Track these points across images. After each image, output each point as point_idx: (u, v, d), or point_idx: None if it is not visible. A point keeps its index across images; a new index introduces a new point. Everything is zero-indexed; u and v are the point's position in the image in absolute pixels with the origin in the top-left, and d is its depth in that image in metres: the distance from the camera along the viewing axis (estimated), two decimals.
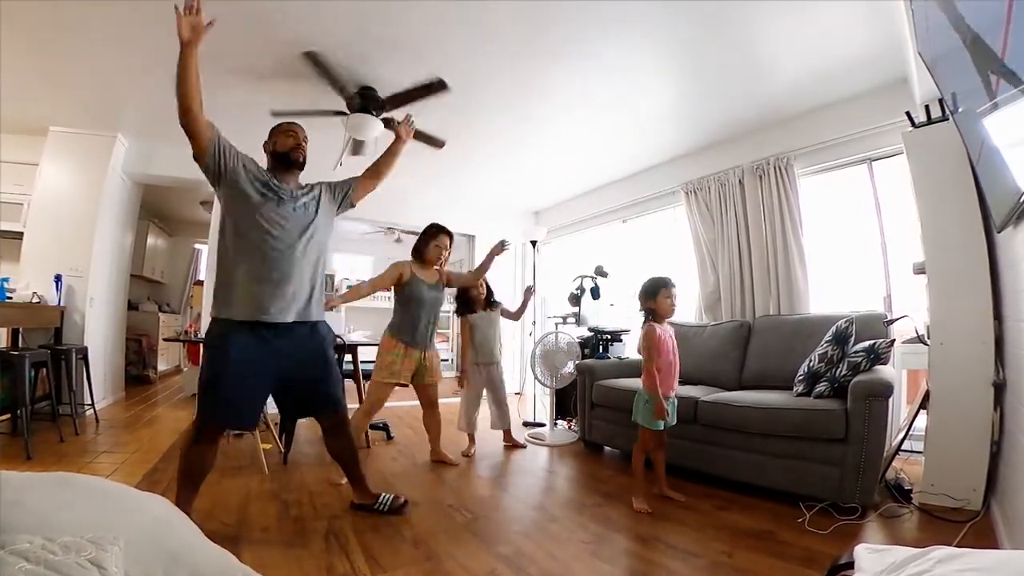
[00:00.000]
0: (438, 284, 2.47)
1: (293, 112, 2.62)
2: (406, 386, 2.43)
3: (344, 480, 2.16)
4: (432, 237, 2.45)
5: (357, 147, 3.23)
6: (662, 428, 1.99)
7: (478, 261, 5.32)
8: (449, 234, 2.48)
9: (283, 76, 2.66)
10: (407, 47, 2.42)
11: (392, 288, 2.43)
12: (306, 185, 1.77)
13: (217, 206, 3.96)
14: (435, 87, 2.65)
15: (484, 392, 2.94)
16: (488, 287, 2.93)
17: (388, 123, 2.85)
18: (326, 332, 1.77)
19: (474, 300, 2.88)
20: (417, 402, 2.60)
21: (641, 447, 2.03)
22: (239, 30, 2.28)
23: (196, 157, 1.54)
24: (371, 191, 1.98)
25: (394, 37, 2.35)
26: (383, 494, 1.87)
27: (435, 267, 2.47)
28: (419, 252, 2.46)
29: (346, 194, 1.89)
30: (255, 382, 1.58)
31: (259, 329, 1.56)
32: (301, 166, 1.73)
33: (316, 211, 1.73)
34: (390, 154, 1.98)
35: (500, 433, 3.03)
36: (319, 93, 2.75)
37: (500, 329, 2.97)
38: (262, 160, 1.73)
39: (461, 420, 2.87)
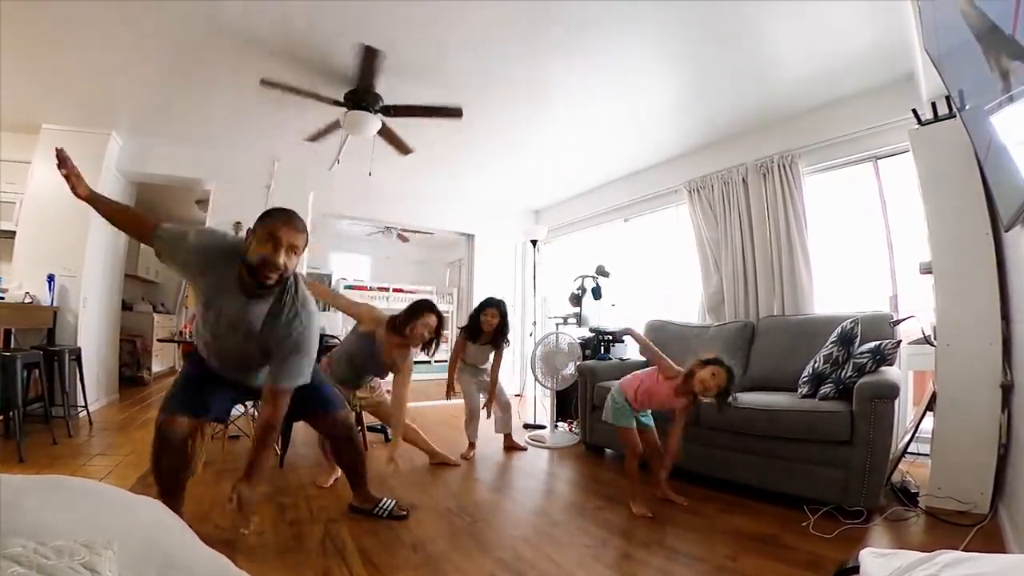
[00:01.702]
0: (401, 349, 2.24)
1: (286, 86, 2.54)
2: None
3: (329, 483, 2.14)
4: (420, 316, 2.19)
5: (402, 148, 3.20)
6: (631, 426, 1.99)
7: (478, 261, 5.36)
8: (439, 316, 2.25)
9: (278, 66, 2.61)
10: (406, 46, 2.39)
11: (356, 326, 2.31)
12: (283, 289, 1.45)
13: (213, 205, 3.94)
14: (449, 111, 2.62)
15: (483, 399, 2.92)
16: (503, 320, 2.80)
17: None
18: (307, 322, 1.49)
19: (482, 329, 2.78)
20: (422, 403, 2.54)
21: (630, 451, 1.99)
22: (235, 24, 2.24)
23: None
24: None
25: (393, 37, 2.32)
26: (384, 499, 1.83)
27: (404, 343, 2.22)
28: (400, 328, 2.19)
29: None
30: (227, 387, 1.60)
31: None
32: (267, 289, 1.39)
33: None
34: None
35: (501, 435, 3.00)
36: (313, 85, 2.70)
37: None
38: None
39: (467, 429, 2.84)
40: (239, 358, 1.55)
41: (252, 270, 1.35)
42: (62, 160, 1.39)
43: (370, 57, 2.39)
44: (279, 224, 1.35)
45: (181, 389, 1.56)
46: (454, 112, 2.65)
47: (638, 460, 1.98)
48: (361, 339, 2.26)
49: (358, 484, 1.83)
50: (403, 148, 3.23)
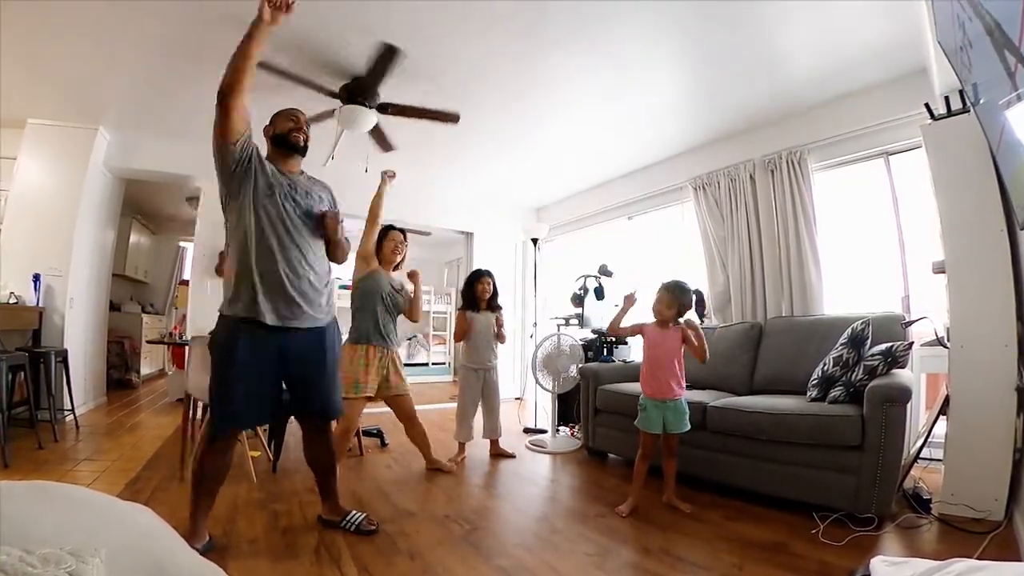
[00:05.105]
0: (399, 286, 2.52)
1: (282, 71, 2.50)
2: (372, 399, 2.38)
3: None
4: (384, 237, 2.52)
5: (385, 145, 3.10)
6: (651, 431, 1.98)
7: (477, 261, 5.31)
8: (401, 230, 2.57)
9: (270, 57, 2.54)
10: (404, 38, 2.34)
11: (361, 269, 2.46)
12: (316, 179, 1.75)
13: (205, 201, 3.86)
14: (388, 55, 2.46)
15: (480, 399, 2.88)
16: (495, 287, 2.89)
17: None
18: (335, 335, 1.74)
19: (479, 298, 2.83)
20: (418, 407, 2.52)
21: (640, 452, 2.02)
22: (226, 21, 2.18)
23: (221, 144, 1.47)
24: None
25: (391, 28, 2.28)
26: (352, 512, 1.76)
27: (393, 268, 2.53)
28: (378, 255, 2.51)
29: None
30: (263, 383, 1.55)
31: (266, 329, 1.52)
32: (302, 151, 1.69)
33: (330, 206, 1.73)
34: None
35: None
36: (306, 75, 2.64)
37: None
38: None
39: (458, 429, 2.78)
40: (308, 258, 1.59)
41: (283, 139, 1.64)
42: None
43: (388, 56, 2.35)
44: (293, 109, 1.71)
45: (229, 400, 1.51)
46: (451, 117, 2.59)
47: (647, 463, 2.00)
48: (359, 290, 2.43)
49: (328, 492, 1.78)
50: (386, 145, 3.16)
